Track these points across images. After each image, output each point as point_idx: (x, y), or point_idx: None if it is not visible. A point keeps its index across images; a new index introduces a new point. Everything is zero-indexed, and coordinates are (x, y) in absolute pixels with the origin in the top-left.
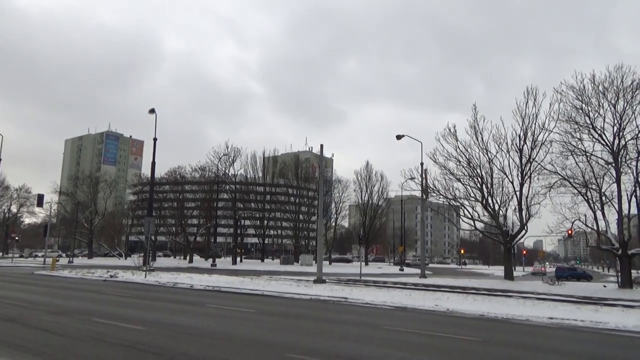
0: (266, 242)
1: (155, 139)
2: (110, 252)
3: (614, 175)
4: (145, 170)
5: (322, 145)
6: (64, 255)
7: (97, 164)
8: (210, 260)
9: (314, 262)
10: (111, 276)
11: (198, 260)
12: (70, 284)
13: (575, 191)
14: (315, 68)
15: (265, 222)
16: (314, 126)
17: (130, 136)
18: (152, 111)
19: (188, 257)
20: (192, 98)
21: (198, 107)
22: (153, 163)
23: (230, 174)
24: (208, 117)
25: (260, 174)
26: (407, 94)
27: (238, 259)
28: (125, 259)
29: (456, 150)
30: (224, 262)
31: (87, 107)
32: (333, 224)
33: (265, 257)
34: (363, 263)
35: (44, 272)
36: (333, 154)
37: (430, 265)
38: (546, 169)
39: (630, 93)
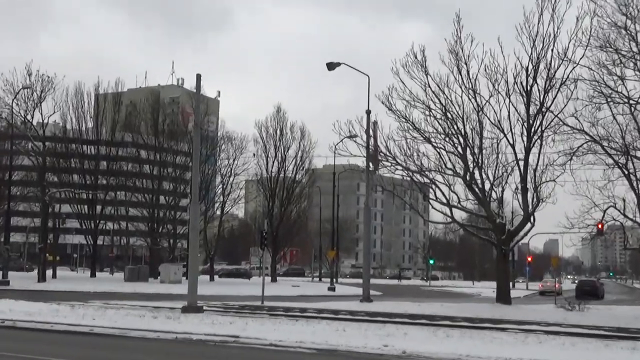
0: (100, 242)
1: None
2: None
3: None
4: None
5: (199, 77)
6: None
7: None
8: None
9: (183, 277)
10: None
11: None
12: None
13: (611, 161)
14: None
15: (99, 207)
16: (181, 39)
17: None
18: None
19: None
20: None
21: None
22: None
23: (35, 124)
24: None
25: (91, 125)
26: None
27: (50, 271)
28: None
29: (425, 90)
30: (25, 278)
31: None
32: (218, 211)
33: (99, 268)
34: (268, 278)
35: None
36: (219, 93)
37: (379, 281)
38: (567, 125)
39: None
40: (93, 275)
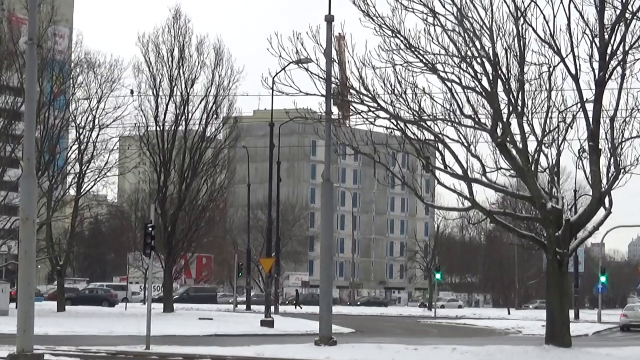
0: None
1: None
2: None
3: None
4: None
5: None
6: None
7: None
8: None
9: (11, 304)
10: None
11: None
12: None
13: None
14: None
15: None
16: None
17: None
18: None
19: None
20: None
21: None
22: None
23: None
24: None
25: None
26: None
27: None
28: None
29: None
30: None
31: None
32: (72, 191)
33: None
34: (158, 304)
35: None
36: None
37: (347, 311)
38: None
39: None
40: None
